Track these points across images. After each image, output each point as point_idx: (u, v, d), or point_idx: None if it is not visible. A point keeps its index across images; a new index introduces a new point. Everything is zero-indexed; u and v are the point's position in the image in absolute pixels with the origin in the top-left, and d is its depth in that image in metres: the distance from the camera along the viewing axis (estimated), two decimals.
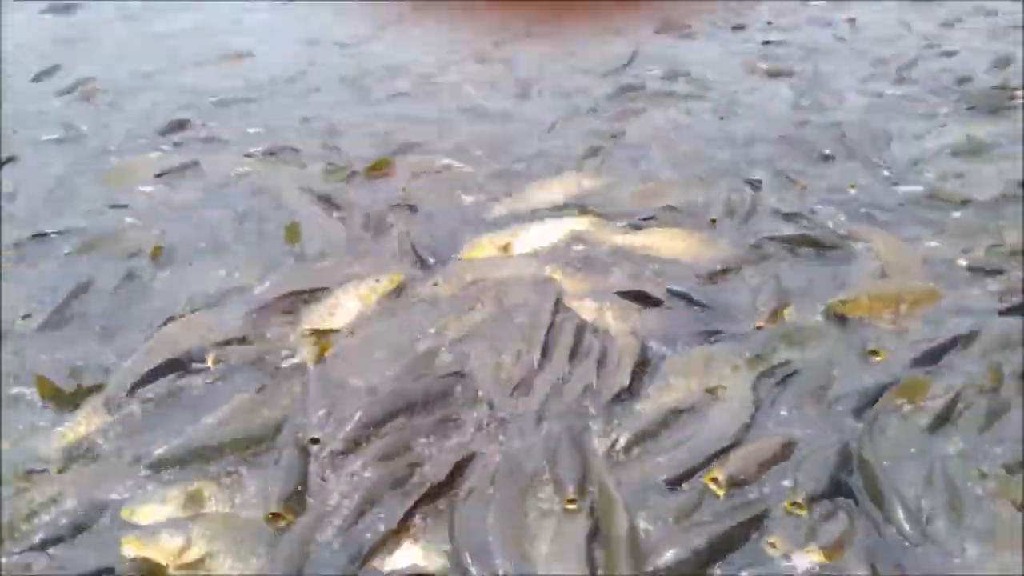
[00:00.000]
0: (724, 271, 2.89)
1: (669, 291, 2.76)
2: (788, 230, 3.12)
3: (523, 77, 4.86)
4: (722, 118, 4.22)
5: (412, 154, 3.83)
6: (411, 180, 3.58)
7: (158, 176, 3.62)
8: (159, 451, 2.12)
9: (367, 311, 2.68)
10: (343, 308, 2.66)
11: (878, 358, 2.46)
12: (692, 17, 5.86)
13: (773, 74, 4.81)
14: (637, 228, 3.15)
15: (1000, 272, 2.90)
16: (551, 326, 2.57)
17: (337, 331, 2.58)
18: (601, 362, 2.42)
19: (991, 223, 3.22)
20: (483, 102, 4.47)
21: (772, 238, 3.07)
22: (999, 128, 4.04)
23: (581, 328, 2.58)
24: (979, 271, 2.92)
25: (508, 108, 4.41)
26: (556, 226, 3.16)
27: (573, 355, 2.47)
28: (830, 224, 3.19)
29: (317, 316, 2.63)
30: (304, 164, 3.78)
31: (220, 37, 5.60)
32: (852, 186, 3.49)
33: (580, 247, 3.06)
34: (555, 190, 3.46)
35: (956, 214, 3.30)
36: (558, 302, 2.70)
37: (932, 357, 2.45)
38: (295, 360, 2.46)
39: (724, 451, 2.08)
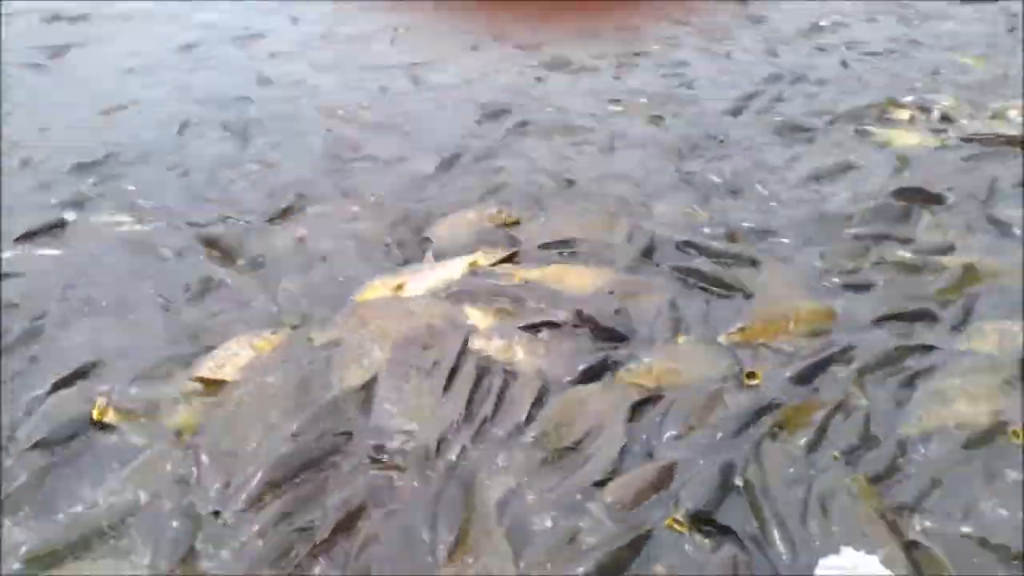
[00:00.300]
0: (625, 301, 2.96)
1: (572, 323, 2.81)
2: (687, 260, 3.23)
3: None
4: (612, 150, 4.30)
5: (309, 199, 3.74)
6: (308, 225, 3.51)
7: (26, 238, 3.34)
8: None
9: (260, 363, 2.62)
10: (234, 362, 2.60)
11: (755, 381, 2.56)
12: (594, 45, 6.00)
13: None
14: (540, 262, 3.20)
15: (874, 286, 3.11)
16: (454, 367, 2.58)
17: (229, 385, 2.52)
18: (500, 400, 2.44)
19: (869, 240, 3.42)
20: (372, 150, 4.31)
21: (674, 268, 3.17)
22: (867, 148, 4.31)
23: (484, 365, 2.60)
24: (859, 287, 3.11)
25: (402, 149, 4.32)
26: (456, 264, 3.16)
27: (474, 395, 2.47)
28: (725, 251, 3.30)
29: (207, 372, 2.56)
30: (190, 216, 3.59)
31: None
32: (742, 214, 3.63)
33: (482, 283, 3.06)
34: (458, 227, 3.46)
35: (839, 233, 3.48)
36: (464, 340, 2.70)
37: (809, 375, 2.56)
38: (184, 419, 2.40)
39: (603, 482, 2.14)
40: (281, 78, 5.18)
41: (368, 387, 2.53)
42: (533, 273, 3.11)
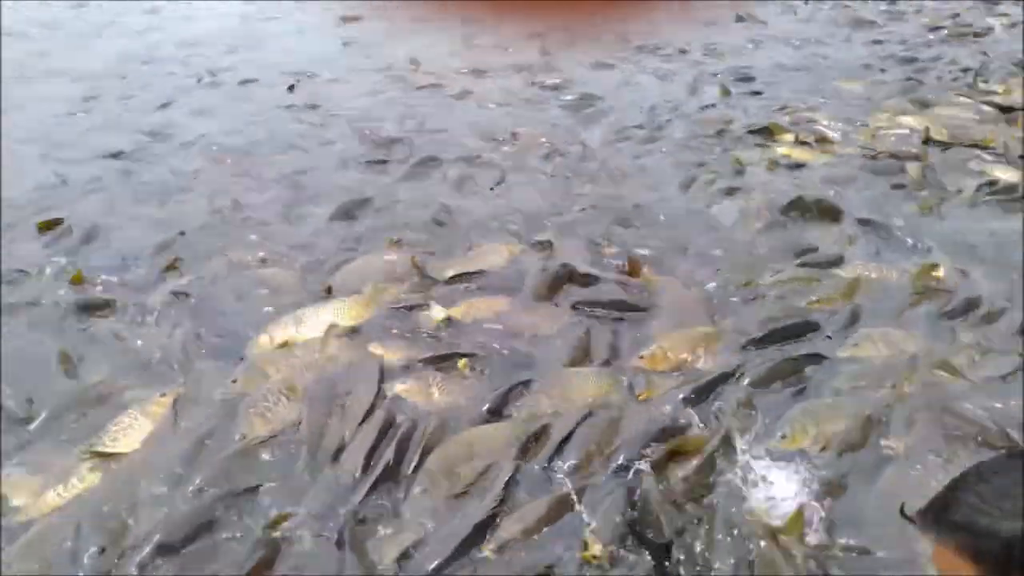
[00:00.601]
0: (535, 335, 3.01)
1: (480, 356, 2.85)
2: (591, 289, 3.28)
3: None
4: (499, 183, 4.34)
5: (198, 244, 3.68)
6: (199, 273, 3.43)
7: None
8: None
9: (157, 429, 2.55)
10: (129, 433, 2.52)
11: (648, 397, 2.63)
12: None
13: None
14: (451, 299, 3.21)
15: (766, 300, 3.22)
16: (366, 411, 2.57)
17: (125, 455, 2.45)
18: (402, 448, 2.43)
19: (764, 255, 3.56)
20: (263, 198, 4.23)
21: (581, 302, 3.21)
22: (758, 166, 4.49)
23: (391, 409, 2.59)
24: (753, 302, 3.22)
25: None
26: (353, 305, 3.14)
27: (377, 444, 2.45)
28: (626, 280, 3.38)
29: (102, 447, 2.47)
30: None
31: None
32: (641, 239, 3.73)
33: (395, 324, 3.06)
34: (362, 272, 3.42)
35: (734, 251, 3.61)
36: (375, 387, 2.69)
37: (701, 396, 2.63)
38: (77, 490, 2.32)
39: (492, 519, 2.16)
40: (167, 127, 5.08)
41: (272, 441, 2.50)
42: (444, 311, 3.12)
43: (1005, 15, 7.84)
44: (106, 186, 4.27)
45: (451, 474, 2.31)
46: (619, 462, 2.36)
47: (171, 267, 3.46)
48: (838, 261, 3.52)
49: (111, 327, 3.07)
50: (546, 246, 3.63)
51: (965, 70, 6.09)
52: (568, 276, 3.35)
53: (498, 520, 2.16)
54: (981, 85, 5.78)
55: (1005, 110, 5.26)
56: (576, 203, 4.08)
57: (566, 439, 2.44)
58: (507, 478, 2.28)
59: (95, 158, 4.59)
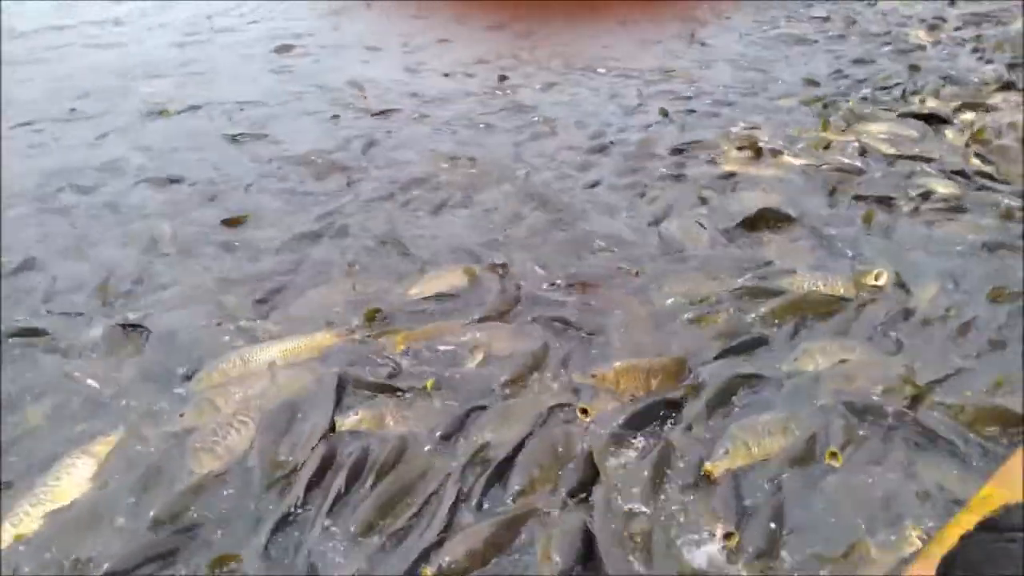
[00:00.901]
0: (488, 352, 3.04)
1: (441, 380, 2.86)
2: (550, 309, 3.31)
3: None
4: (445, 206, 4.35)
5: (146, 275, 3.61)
6: (147, 304, 3.38)
7: None
8: None
9: (101, 470, 2.50)
10: (73, 475, 2.46)
11: (588, 418, 2.66)
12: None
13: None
14: (411, 323, 3.22)
15: (719, 316, 3.27)
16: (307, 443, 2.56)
17: (68, 507, 2.38)
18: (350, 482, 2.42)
19: (709, 275, 3.60)
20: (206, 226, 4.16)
21: (535, 319, 3.25)
22: (709, 183, 4.59)
23: (335, 444, 2.58)
24: (704, 319, 3.27)
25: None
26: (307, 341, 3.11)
27: (326, 467, 2.45)
28: (584, 300, 3.40)
29: (43, 491, 2.40)
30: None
31: None
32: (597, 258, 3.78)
33: (356, 351, 3.06)
34: (316, 303, 3.40)
35: (684, 268, 3.67)
36: (327, 421, 2.67)
37: (640, 421, 2.66)
38: (19, 531, 2.26)
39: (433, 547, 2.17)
40: (97, 158, 4.96)
41: (222, 476, 2.47)
42: (403, 337, 3.11)
43: (935, 29, 8.17)
44: (44, 221, 4.17)
45: (399, 504, 2.32)
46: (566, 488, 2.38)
47: (107, 302, 3.38)
48: (785, 273, 3.60)
49: (54, 362, 3.01)
50: (502, 268, 3.64)
51: (897, 84, 6.31)
52: (524, 297, 3.39)
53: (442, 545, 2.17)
54: (915, 98, 5.99)
55: (931, 120, 5.47)
56: (525, 225, 4.10)
57: (508, 463, 2.45)
58: (450, 506, 2.29)
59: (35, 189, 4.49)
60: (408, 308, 3.35)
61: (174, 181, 4.59)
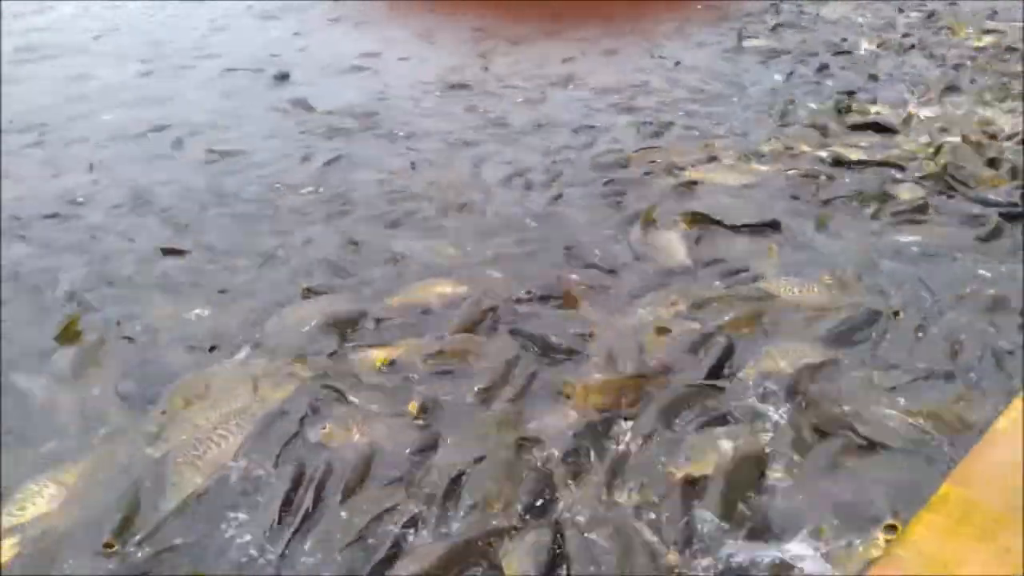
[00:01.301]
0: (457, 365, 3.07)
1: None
2: (525, 323, 3.31)
3: None
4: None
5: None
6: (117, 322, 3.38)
7: None
8: None
9: (71, 493, 2.48)
10: (38, 501, 2.44)
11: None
12: None
13: None
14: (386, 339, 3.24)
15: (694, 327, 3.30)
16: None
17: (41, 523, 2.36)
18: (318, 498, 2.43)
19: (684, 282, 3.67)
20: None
21: (512, 331, 3.25)
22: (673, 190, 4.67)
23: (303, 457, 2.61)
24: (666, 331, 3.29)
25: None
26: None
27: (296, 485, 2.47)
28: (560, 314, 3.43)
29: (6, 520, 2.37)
30: None
31: None
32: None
33: (333, 367, 3.07)
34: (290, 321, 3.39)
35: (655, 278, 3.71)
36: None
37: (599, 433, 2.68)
38: None
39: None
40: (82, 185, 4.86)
41: (202, 495, 2.47)
42: (384, 353, 3.12)
43: (885, 35, 8.40)
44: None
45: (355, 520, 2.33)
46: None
47: (72, 327, 3.33)
48: (755, 279, 3.68)
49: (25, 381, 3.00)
50: (481, 283, 3.65)
51: (853, 92, 6.46)
52: (493, 311, 3.41)
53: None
54: (871, 106, 6.14)
55: (885, 128, 5.62)
56: (500, 242, 4.09)
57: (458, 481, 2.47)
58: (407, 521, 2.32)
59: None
60: (385, 323, 3.36)
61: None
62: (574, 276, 3.71)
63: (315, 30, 8.76)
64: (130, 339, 3.28)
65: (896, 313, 3.36)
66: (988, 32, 8.35)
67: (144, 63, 7.41)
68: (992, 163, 4.95)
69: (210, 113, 6.10)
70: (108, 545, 2.25)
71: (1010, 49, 7.64)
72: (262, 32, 8.72)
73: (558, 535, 2.26)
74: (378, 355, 3.11)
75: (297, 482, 2.47)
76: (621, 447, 2.63)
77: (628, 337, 3.24)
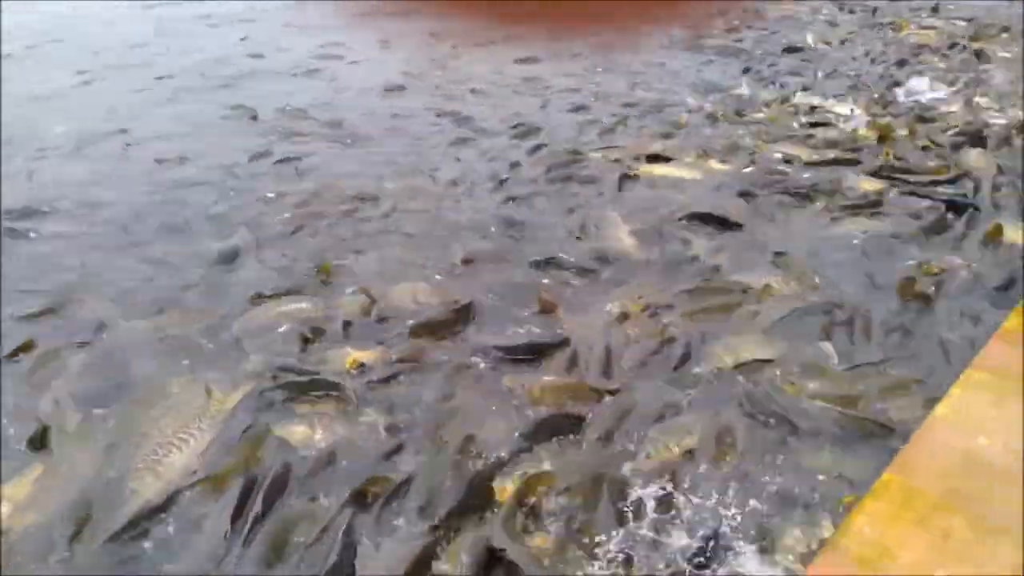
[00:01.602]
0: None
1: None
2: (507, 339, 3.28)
3: None
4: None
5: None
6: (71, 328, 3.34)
7: None
8: None
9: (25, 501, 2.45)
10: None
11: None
12: None
13: None
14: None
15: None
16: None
17: None
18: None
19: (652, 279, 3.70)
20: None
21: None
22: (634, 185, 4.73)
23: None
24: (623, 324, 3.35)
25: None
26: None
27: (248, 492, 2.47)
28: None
29: None
30: None
31: None
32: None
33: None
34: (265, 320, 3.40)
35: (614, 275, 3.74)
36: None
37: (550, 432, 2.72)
38: None
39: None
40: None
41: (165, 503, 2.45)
42: (354, 355, 3.12)
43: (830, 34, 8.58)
44: None
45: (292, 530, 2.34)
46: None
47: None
48: (710, 272, 3.76)
49: None
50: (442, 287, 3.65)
51: (805, 89, 6.58)
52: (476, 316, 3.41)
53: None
54: (825, 102, 6.27)
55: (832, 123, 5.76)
56: (462, 249, 4.04)
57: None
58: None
59: None
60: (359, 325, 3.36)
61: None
62: (546, 281, 3.71)
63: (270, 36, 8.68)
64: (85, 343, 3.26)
65: (840, 305, 3.43)
66: (927, 28, 8.59)
67: (80, 73, 7.28)
68: (936, 155, 5.09)
69: (156, 120, 6.01)
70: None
71: (952, 44, 7.85)
72: (210, 38, 8.61)
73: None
74: (349, 357, 3.11)
75: (249, 487, 2.46)
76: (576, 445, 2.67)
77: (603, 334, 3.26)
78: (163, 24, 9.09)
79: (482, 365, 3.09)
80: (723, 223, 4.22)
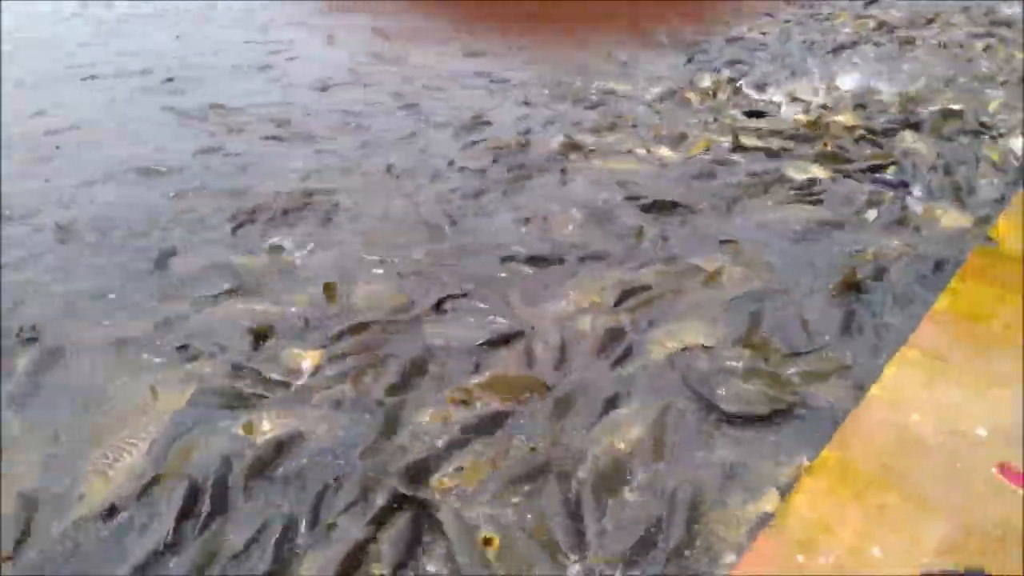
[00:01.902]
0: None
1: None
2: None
3: None
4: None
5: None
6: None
7: None
8: None
9: None
10: None
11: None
12: None
13: None
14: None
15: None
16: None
17: None
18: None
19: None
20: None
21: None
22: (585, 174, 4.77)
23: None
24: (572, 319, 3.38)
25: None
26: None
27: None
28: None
29: None
30: None
31: None
32: None
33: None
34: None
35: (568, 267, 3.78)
36: None
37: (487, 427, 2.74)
38: None
39: None
40: None
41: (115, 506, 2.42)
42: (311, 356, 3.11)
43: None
44: None
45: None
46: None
47: None
48: (656, 261, 3.82)
49: None
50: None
51: (765, 84, 6.68)
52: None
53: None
54: (761, 91, 6.42)
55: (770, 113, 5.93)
56: (415, 242, 4.05)
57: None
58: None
59: None
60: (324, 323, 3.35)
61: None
62: (504, 274, 3.73)
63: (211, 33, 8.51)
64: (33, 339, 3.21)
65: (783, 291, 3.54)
66: (863, 18, 8.86)
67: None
68: (874, 142, 5.26)
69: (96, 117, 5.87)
70: (7, 558, 2.21)
71: (886, 31, 8.11)
72: (152, 36, 8.41)
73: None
74: (301, 355, 3.10)
75: (195, 487, 2.46)
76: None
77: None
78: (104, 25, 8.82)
79: (437, 359, 3.11)
80: (670, 209, 4.32)
